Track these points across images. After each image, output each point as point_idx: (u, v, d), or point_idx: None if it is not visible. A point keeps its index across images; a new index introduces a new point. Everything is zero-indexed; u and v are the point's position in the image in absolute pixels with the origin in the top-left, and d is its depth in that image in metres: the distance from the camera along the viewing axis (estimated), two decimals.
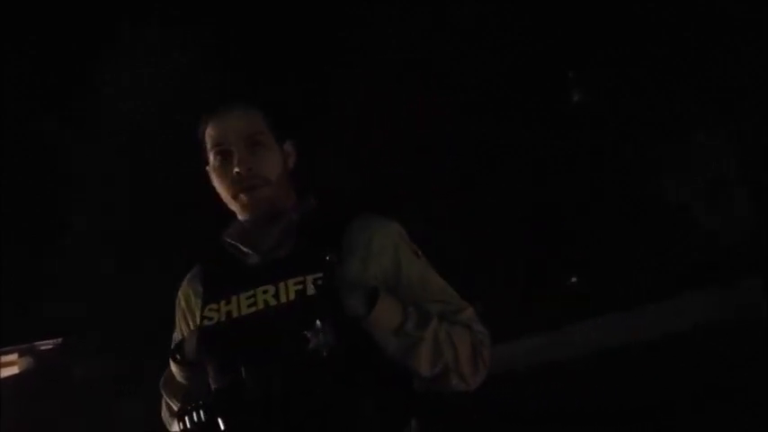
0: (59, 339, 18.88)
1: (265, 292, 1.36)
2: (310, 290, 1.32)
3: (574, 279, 12.50)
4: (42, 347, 19.69)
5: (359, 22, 12.52)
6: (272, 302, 1.35)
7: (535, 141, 11.92)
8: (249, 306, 1.37)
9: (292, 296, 1.34)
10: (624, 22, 11.11)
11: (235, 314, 1.38)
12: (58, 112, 14.62)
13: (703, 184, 10.93)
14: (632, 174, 11.73)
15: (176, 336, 1.53)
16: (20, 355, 19.32)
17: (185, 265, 1.59)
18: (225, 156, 1.42)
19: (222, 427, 1.24)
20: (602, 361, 8.05)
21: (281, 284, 1.35)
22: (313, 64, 12.97)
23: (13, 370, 19.21)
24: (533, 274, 12.35)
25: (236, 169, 1.39)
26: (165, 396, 1.50)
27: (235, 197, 1.43)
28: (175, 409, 1.43)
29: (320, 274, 1.33)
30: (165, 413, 1.52)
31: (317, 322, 1.29)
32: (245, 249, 1.44)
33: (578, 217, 11.96)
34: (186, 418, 1.25)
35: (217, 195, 1.49)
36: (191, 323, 1.49)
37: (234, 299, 1.39)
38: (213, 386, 1.37)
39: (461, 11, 11.93)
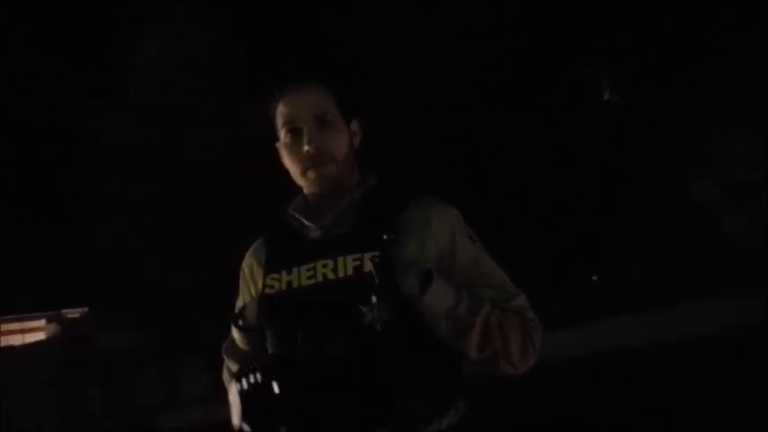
0: (86, 308, 19.22)
1: (324, 265, 1.42)
2: (367, 266, 1.36)
3: (595, 278, 12.45)
4: (69, 315, 20.07)
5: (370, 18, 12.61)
6: (331, 276, 1.41)
7: (562, 141, 11.85)
8: (309, 278, 1.43)
9: (350, 272, 1.39)
10: (658, 21, 11.01)
11: (295, 284, 1.44)
12: (94, 89, 14.81)
13: (731, 188, 10.80)
14: (659, 176, 11.63)
15: (239, 303, 1.60)
16: (47, 322, 19.72)
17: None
18: (295, 134, 1.49)
19: (276, 391, 1.28)
20: (622, 359, 8.01)
21: (340, 259, 1.41)
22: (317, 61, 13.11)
23: (40, 336, 19.62)
24: (555, 271, 12.31)
25: (306, 147, 1.46)
26: (226, 359, 1.58)
27: (303, 174, 1.50)
28: (234, 371, 1.48)
29: (377, 252, 1.36)
30: (225, 375, 1.60)
31: (373, 298, 1.33)
32: (307, 223, 1.50)
33: (601, 216, 11.89)
34: (243, 380, 1.29)
35: (286, 172, 1.56)
36: (253, 291, 1.56)
37: (295, 270, 1.45)
38: (270, 352, 1.44)
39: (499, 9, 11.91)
